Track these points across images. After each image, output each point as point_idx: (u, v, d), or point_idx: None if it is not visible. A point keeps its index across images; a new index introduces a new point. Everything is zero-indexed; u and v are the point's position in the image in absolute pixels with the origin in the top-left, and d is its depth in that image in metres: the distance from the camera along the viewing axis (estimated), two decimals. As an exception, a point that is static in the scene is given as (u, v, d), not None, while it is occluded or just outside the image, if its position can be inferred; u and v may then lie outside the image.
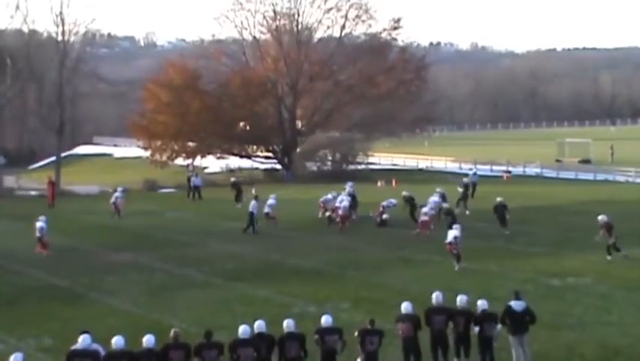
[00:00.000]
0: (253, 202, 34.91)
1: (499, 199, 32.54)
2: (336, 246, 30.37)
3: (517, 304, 15.52)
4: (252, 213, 34.17)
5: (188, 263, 27.56)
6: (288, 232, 33.92)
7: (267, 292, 22.60)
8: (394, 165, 72.43)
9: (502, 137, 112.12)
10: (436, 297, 15.59)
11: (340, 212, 33.93)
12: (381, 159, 73.20)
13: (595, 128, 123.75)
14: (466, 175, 44.69)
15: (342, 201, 34.87)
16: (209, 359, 13.41)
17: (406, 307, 15.20)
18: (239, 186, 45.31)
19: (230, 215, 38.86)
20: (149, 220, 38.29)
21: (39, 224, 30.38)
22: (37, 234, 30.21)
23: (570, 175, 58.45)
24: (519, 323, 15.42)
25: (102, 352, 13.45)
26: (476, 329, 15.24)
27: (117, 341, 13.43)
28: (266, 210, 34.85)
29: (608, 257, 26.18)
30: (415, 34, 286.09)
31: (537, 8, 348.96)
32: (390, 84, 69.12)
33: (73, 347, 13.35)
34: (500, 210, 32.06)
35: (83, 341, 13.34)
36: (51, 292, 23.74)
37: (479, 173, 47.19)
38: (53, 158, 70.23)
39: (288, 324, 14.16)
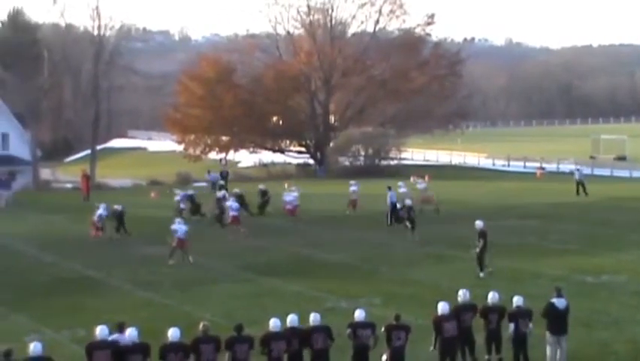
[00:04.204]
0: (390, 193, 34.62)
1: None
2: (367, 241, 30.34)
3: (559, 302, 15.22)
4: (393, 204, 33.90)
5: (220, 257, 27.70)
6: (319, 227, 33.93)
7: (298, 287, 22.63)
8: (427, 160, 72.20)
9: (536, 133, 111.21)
10: (462, 295, 15.31)
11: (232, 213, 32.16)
12: (414, 154, 73.00)
13: (630, 124, 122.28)
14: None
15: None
16: (240, 353, 13.38)
17: (443, 307, 14.78)
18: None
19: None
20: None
21: (99, 211, 32.43)
22: (95, 218, 32.35)
23: (605, 172, 57.83)
24: (561, 321, 15.11)
25: (121, 342, 13.27)
26: (511, 325, 15.07)
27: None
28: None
29: (481, 274, 23.37)
30: (448, 29, 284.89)
31: (573, 4, 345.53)
32: (424, 79, 69.01)
33: (97, 339, 13.29)
34: None
35: (100, 332, 13.29)
36: (85, 284, 23.99)
37: (516, 169, 46.74)
38: (89, 151, 70.97)
39: (314, 318, 14.20)
